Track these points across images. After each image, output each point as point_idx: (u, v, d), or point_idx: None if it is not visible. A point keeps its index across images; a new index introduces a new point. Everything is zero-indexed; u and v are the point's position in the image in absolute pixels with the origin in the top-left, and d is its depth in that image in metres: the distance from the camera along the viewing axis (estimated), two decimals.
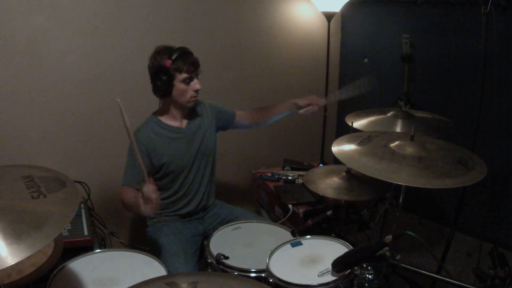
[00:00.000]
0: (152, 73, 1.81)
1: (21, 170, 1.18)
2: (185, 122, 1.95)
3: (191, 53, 1.83)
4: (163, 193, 1.96)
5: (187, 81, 1.80)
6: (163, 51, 1.78)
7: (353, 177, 1.92)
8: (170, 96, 1.83)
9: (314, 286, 1.35)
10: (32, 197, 1.02)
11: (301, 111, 2.10)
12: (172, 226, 1.96)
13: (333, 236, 1.65)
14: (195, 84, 1.83)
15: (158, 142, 1.87)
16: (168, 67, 1.76)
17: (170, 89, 1.80)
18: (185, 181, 1.95)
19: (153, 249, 1.86)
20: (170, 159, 1.89)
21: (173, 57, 1.75)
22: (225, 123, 2.10)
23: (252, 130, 3.06)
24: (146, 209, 1.59)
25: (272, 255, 1.53)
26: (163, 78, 1.77)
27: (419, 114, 2.18)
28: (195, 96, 1.86)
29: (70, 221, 1.01)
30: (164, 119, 1.92)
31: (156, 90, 1.82)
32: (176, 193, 1.96)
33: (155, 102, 1.97)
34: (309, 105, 2.09)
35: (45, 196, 1.04)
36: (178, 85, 1.80)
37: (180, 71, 1.78)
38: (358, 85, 2.04)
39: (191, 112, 1.97)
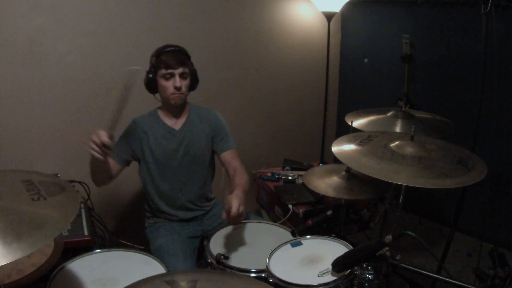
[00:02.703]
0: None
1: (20, 174, 1.18)
2: (180, 123, 1.96)
3: (175, 51, 1.85)
4: (151, 192, 1.98)
5: (167, 77, 1.84)
6: (155, 50, 1.87)
7: (353, 177, 1.91)
8: (157, 92, 1.91)
9: (314, 286, 1.35)
10: (33, 199, 1.02)
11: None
12: (169, 226, 1.96)
13: (333, 236, 1.65)
14: (175, 81, 1.83)
15: (149, 135, 1.91)
16: (153, 64, 1.85)
17: (154, 85, 1.88)
18: (169, 183, 1.95)
19: (152, 250, 1.86)
20: (155, 155, 1.91)
21: (158, 54, 1.84)
22: (215, 147, 2.01)
23: (252, 130, 3.09)
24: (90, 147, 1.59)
25: (272, 255, 1.53)
26: (150, 75, 1.86)
27: (419, 114, 2.18)
28: (176, 94, 1.85)
29: (70, 223, 1.01)
30: (162, 115, 1.96)
31: (146, 86, 1.90)
32: (161, 194, 1.96)
33: (154, 102, 1.98)
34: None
35: (45, 198, 1.04)
36: (160, 81, 1.86)
37: (160, 67, 1.83)
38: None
39: (190, 116, 1.98)
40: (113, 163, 1.86)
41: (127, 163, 1.94)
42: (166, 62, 1.81)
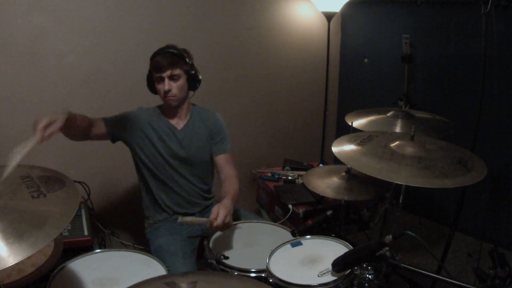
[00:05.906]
0: None
1: (20, 170, 1.18)
2: (182, 123, 1.96)
3: (165, 52, 1.82)
4: (149, 194, 1.98)
5: (159, 80, 1.84)
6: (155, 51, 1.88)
7: (353, 177, 1.92)
8: (156, 93, 1.92)
9: (314, 286, 1.35)
10: (32, 197, 1.02)
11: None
12: (169, 226, 1.96)
13: (333, 236, 1.65)
14: (164, 85, 1.83)
15: (154, 128, 1.91)
16: (150, 67, 1.87)
17: (152, 86, 1.90)
18: (168, 179, 1.95)
19: (152, 250, 1.86)
20: (156, 149, 1.91)
21: (152, 56, 1.84)
22: (211, 148, 2.01)
23: (252, 130, 3.09)
24: None
25: (272, 255, 1.53)
26: (148, 76, 1.90)
27: (419, 114, 2.18)
28: (168, 96, 1.85)
29: (71, 220, 1.01)
30: (164, 113, 1.97)
31: (148, 87, 1.94)
32: (159, 193, 1.96)
33: (154, 103, 1.98)
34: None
35: (45, 195, 1.04)
36: (155, 83, 1.88)
37: (154, 71, 1.85)
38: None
39: (192, 116, 1.98)
40: (100, 124, 1.83)
41: (113, 138, 1.90)
42: (156, 65, 1.82)
